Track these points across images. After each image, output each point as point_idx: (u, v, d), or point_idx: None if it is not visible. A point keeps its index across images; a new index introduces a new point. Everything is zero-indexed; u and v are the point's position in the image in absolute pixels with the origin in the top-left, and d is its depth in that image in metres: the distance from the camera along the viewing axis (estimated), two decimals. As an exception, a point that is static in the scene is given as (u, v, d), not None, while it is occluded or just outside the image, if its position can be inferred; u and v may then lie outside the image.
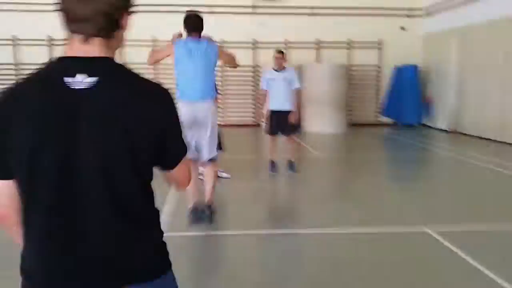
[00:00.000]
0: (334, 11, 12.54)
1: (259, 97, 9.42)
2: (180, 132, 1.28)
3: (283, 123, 6.46)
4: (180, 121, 1.27)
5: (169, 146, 1.24)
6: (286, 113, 6.43)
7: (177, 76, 4.00)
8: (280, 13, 12.64)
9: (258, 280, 3.32)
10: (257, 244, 4.21)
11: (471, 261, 3.45)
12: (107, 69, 1.16)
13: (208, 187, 4.27)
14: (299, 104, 6.61)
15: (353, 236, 4.19)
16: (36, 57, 9.63)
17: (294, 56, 12.17)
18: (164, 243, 1.30)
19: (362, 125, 12.93)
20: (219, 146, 6.50)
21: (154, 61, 4.24)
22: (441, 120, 12.19)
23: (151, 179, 1.23)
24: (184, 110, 3.73)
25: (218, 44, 4.22)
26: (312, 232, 4.30)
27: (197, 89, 3.93)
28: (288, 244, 4.06)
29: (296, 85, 6.49)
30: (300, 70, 10.77)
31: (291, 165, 6.64)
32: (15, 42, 12.23)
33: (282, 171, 6.61)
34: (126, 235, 1.17)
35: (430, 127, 12.68)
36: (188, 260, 3.68)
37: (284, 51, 6.92)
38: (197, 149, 4.06)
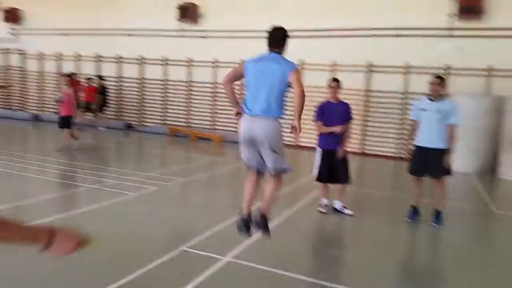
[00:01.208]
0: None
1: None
2: None
3: (430, 163, 5.46)
4: None
5: None
6: (435, 152, 5.42)
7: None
8: (480, 36, 11.06)
9: None
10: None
11: None
12: None
13: (265, 196, 3.83)
14: (452, 143, 5.49)
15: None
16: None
17: (499, 84, 10.54)
18: None
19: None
20: (346, 178, 5.87)
21: (227, 80, 3.84)
22: None
23: None
24: (243, 124, 3.67)
25: (296, 66, 3.69)
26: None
27: (258, 105, 3.59)
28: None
29: (453, 120, 5.41)
30: (500, 102, 9.42)
31: (436, 216, 5.57)
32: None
33: (424, 220, 5.58)
34: None
35: None
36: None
37: (443, 76, 5.85)
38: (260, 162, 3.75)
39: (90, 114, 14.25)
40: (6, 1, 16.56)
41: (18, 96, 16.94)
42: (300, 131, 3.51)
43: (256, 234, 3.99)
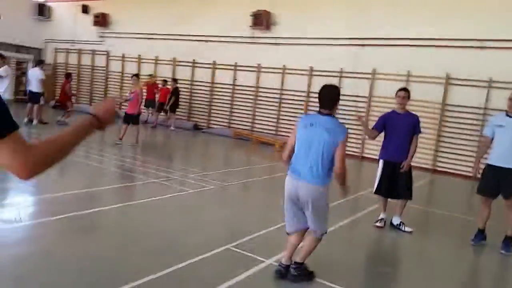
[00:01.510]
0: None
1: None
2: None
3: (504, 184, 4.93)
4: None
5: None
6: (510, 172, 4.89)
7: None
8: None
9: None
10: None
11: None
12: None
13: (304, 247, 3.70)
14: None
15: None
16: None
17: None
18: None
19: None
20: (408, 193, 5.48)
21: (287, 157, 3.67)
22: None
23: None
24: (287, 185, 3.57)
25: (347, 133, 3.49)
26: None
27: (304, 170, 3.47)
28: None
29: None
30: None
31: (506, 242, 5.03)
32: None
33: (493, 245, 5.06)
34: None
35: None
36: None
37: None
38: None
39: (162, 114, 14.95)
40: (96, 7, 18.00)
41: (100, 94, 18.24)
42: (348, 190, 3.62)
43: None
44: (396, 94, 5.56)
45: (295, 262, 3.66)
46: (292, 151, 3.61)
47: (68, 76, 13.37)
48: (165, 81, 14.96)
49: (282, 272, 3.65)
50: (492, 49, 10.52)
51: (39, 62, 12.75)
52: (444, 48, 11.11)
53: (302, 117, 3.77)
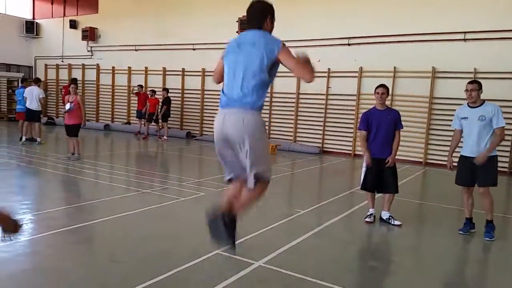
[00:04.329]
0: None
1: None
2: None
3: (478, 173, 5.05)
4: None
5: None
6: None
7: None
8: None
9: None
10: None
11: None
12: None
13: (241, 199, 3.06)
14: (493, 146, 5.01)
15: None
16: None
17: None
18: None
19: None
20: (394, 187, 5.58)
21: (217, 80, 3.21)
22: None
23: None
24: (215, 121, 2.97)
25: (283, 43, 2.89)
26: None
27: (232, 94, 2.89)
28: None
29: (496, 123, 4.96)
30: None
31: (488, 228, 5.16)
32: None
33: (481, 233, 5.16)
34: None
35: None
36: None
37: (479, 81, 5.32)
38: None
39: (152, 124, 14.96)
40: (84, 21, 18.11)
41: (92, 107, 18.31)
42: (307, 59, 2.77)
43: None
44: (374, 91, 5.64)
45: (229, 214, 2.94)
46: (221, 75, 3.08)
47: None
48: (153, 92, 15.01)
49: (216, 224, 3.00)
50: (475, 40, 10.68)
51: (37, 80, 12.79)
52: (429, 43, 11.27)
53: (230, 41, 3.11)
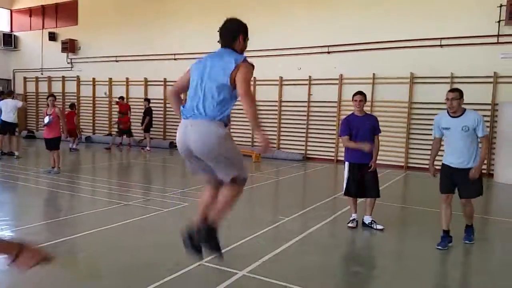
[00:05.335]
0: None
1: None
2: None
3: (460, 184, 4.96)
4: None
5: None
6: (464, 171, 4.90)
7: None
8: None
9: None
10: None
11: None
12: None
13: (218, 204, 3.14)
14: (483, 157, 4.93)
15: None
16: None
17: None
18: None
19: None
20: (376, 192, 5.65)
21: (172, 91, 3.31)
22: None
23: None
24: (178, 132, 3.05)
25: (245, 58, 2.96)
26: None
27: (193, 106, 2.94)
28: None
29: (481, 132, 4.82)
30: None
31: (468, 232, 5.22)
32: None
33: (460, 238, 5.22)
34: None
35: None
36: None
37: (460, 89, 5.06)
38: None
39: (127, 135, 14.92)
40: (64, 33, 17.94)
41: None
42: (267, 142, 2.85)
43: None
44: (352, 98, 5.73)
45: (207, 228, 3.04)
46: (181, 88, 3.23)
47: (72, 107, 14.54)
48: (121, 98, 15.00)
49: (192, 238, 3.14)
50: (451, 46, 10.94)
51: (10, 93, 12.57)
52: (407, 49, 11.50)
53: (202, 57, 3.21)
